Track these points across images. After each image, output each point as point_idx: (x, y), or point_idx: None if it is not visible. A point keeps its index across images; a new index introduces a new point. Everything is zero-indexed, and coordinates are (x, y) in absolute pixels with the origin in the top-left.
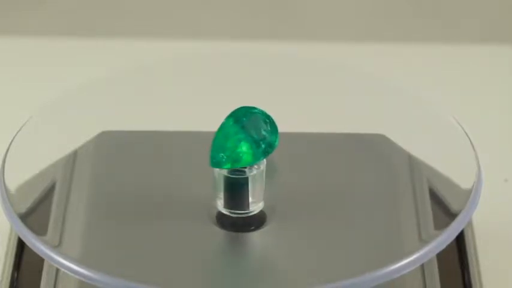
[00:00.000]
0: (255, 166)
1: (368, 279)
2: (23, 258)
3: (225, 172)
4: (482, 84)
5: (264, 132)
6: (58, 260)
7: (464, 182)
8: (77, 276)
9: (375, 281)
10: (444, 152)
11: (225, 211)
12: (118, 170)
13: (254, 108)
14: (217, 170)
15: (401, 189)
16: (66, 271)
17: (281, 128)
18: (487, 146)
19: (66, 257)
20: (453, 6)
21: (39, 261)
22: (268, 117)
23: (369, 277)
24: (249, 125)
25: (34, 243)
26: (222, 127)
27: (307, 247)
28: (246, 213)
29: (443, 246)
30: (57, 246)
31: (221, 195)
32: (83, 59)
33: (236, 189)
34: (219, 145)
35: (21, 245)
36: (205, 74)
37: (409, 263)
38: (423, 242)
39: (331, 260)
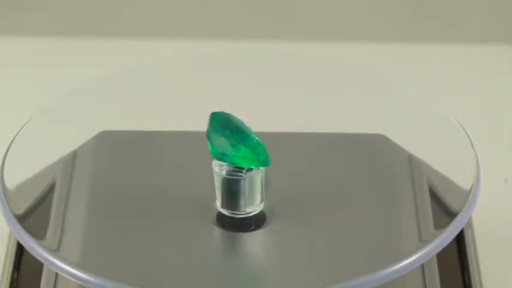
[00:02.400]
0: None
1: (368, 281)
2: (23, 259)
3: (223, 173)
4: (482, 84)
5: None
6: (57, 264)
7: (464, 181)
8: (76, 281)
9: (375, 282)
10: (444, 152)
11: (224, 211)
12: (118, 170)
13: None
14: (216, 172)
15: (401, 189)
16: (65, 275)
17: (281, 128)
18: (487, 146)
19: (65, 262)
20: (453, 6)
21: (39, 262)
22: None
23: (368, 279)
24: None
25: (33, 247)
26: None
27: (307, 247)
28: (245, 213)
29: (443, 246)
30: (56, 250)
31: (220, 196)
32: (83, 59)
33: (233, 190)
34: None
35: (21, 245)
36: (205, 74)
37: (409, 263)
38: (423, 242)
39: (330, 261)
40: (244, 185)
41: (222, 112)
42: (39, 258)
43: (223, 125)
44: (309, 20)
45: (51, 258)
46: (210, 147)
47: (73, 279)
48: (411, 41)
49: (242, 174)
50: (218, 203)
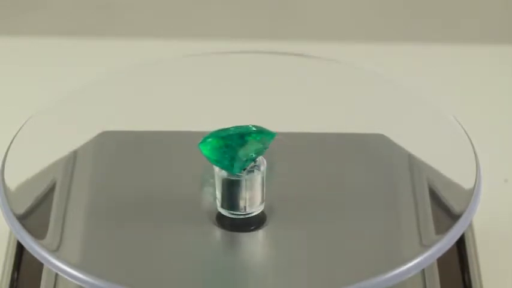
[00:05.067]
0: (255, 166)
1: (368, 286)
2: (23, 259)
3: (224, 174)
4: (482, 84)
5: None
6: (57, 265)
7: (465, 182)
8: (75, 282)
9: (375, 287)
10: (444, 152)
11: (224, 212)
12: (118, 170)
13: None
14: (217, 172)
15: (402, 189)
16: (65, 276)
17: (281, 128)
18: (487, 146)
19: (65, 262)
20: (453, 6)
21: (39, 262)
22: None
23: (369, 283)
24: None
25: (33, 247)
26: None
27: (306, 248)
28: (245, 214)
29: (444, 251)
30: (56, 251)
31: (220, 196)
32: (83, 59)
33: (233, 191)
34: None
35: (21, 245)
36: (205, 74)
37: (410, 268)
38: (424, 246)
39: (330, 263)
40: (245, 186)
41: (206, 139)
42: (39, 259)
43: (220, 141)
44: (309, 20)
45: (50, 258)
46: (227, 167)
47: (72, 280)
48: (411, 41)
49: (243, 175)
50: (218, 204)
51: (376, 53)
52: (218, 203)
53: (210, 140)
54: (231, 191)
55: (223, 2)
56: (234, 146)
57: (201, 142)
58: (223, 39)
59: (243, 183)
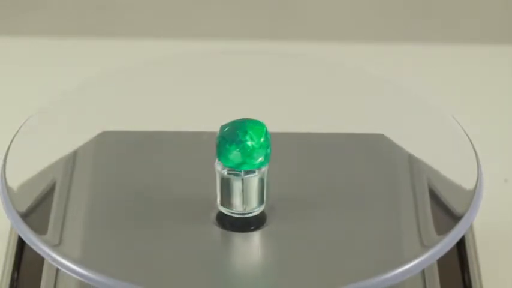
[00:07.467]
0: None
1: (368, 286)
2: (23, 258)
3: (225, 173)
4: (482, 84)
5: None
6: (58, 259)
7: (465, 182)
8: (76, 277)
9: (376, 287)
10: (444, 152)
11: (225, 211)
12: (118, 170)
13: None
14: (218, 171)
15: (402, 189)
16: (66, 271)
17: (281, 128)
18: (487, 146)
19: (66, 257)
20: (453, 6)
21: (39, 261)
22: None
23: (368, 283)
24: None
25: (34, 242)
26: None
27: (306, 248)
28: (245, 213)
29: (445, 252)
30: (57, 246)
31: (221, 195)
32: (83, 59)
33: (234, 190)
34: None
35: (21, 245)
36: (206, 74)
37: (409, 268)
38: (424, 247)
39: (330, 263)
40: (246, 185)
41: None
42: (41, 253)
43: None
44: (309, 20)
45: (52, 253)
46: (260, 164)
47: (73, 275)
48: (411, 41)
49: (243, 174)
50: (219, 203)
51: (376, 53)
52: (218, 202)
53: (229, 147)
54: (232, 190)
55: (223, 2)
56: (249, 142)
57: (221, 156)
58: (223, 39)
59: (244, 182)
